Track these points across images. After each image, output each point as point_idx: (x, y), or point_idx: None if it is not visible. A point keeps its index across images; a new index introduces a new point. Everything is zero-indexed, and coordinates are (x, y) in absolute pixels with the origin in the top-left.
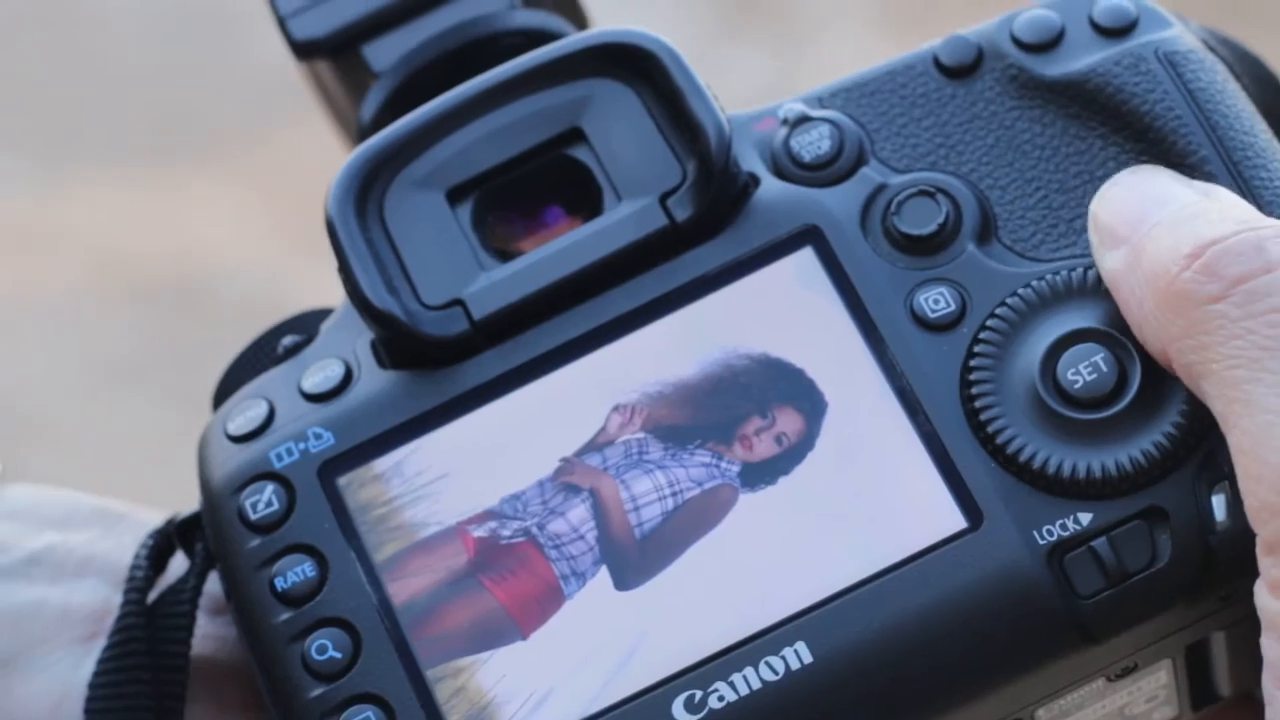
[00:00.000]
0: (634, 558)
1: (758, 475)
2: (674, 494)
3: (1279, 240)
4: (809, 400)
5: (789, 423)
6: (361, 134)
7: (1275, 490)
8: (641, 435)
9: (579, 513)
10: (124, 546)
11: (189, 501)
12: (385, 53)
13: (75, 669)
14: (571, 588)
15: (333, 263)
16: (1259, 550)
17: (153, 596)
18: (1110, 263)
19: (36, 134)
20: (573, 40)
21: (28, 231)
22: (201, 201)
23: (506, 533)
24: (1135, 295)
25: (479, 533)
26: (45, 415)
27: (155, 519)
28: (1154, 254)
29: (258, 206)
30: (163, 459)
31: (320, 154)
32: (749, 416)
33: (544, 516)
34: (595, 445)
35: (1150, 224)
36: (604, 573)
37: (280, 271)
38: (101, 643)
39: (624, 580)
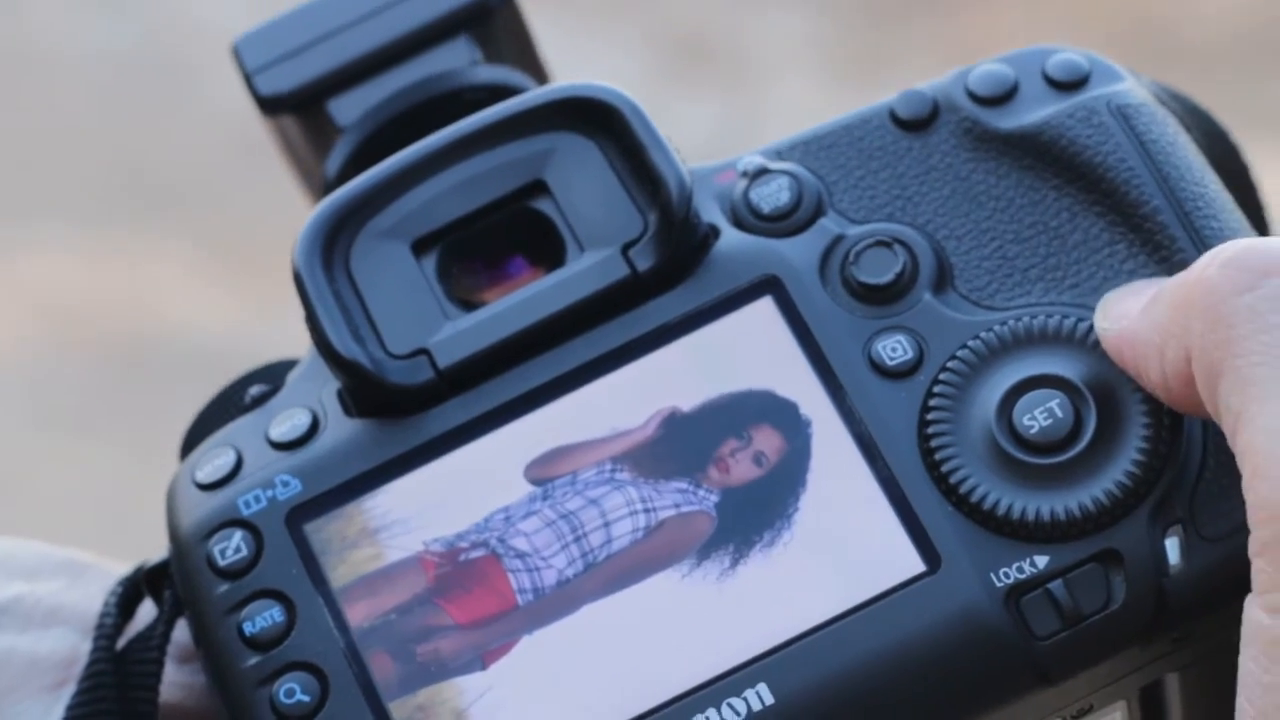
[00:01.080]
0: (597, 581)
1: (737, 503)
2: (646, 511)
3: None
4: (785, 421)
5: (767, 441)
6: (326, 188)
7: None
8: (612, 464)
9: (544, 534)
10: (91, 596)
11: (145, 552)
12: (350, 108)
13: (44, 716)
14: (532, 610)
15: (285, 316)
16: (1250, 549)
17: (121, 643)
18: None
19: None
20: (535, 94)
21: None
22: (154, 255)
23: (468, 556)
24: (1150, 321)
25: (440, 562)
26: (3, 467)
27: (122, 569)
28: (1177, 277)
29: (209, 260)
30: (116, 511)
31: (273, 208)
32: (724, 440)
33: (507, 535)
34: (564, 475)
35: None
36: (565, 594)
37: (233, 324)
38: (69, 690)
39: (583, 605)
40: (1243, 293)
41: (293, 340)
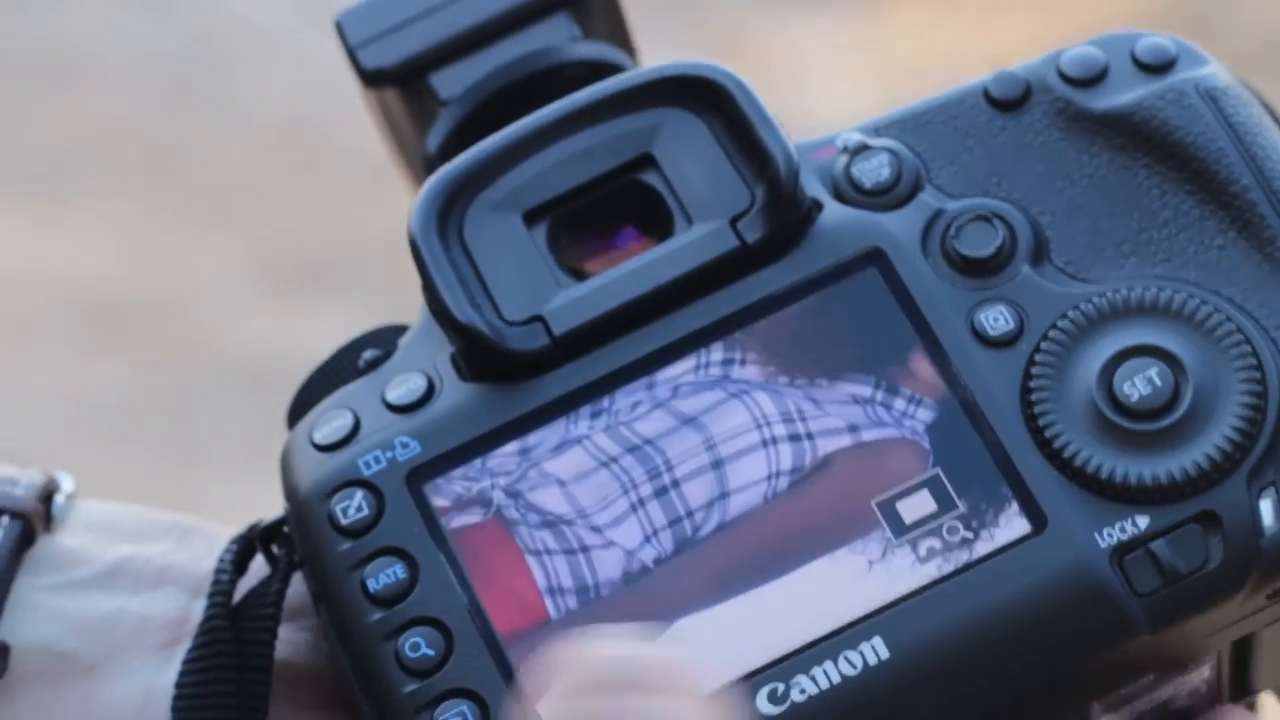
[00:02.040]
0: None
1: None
2: (808, 436)
3: None
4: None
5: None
6: (427, 162)
7: None
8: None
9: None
10: (198, 557)
11: None
12: (452, 82)
13: (158, 674)
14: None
15: (319, 311)
16: None
17: (234, 599)
18: None
19: (27, 185)
20: (645, 71)
21: (19, 281)
22: (193, 256)
23: (590, 525)
24: None
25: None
26: (35, 461)
27: (224, 532)
28: None
29: (249, 261)
30: (155, 504)
31: (315, 211)
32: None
33: (643, 485)
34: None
35: None
36: (694, 558)
37: (271, 326)
38: (180, 650)
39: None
40: None
41: (332, 341)
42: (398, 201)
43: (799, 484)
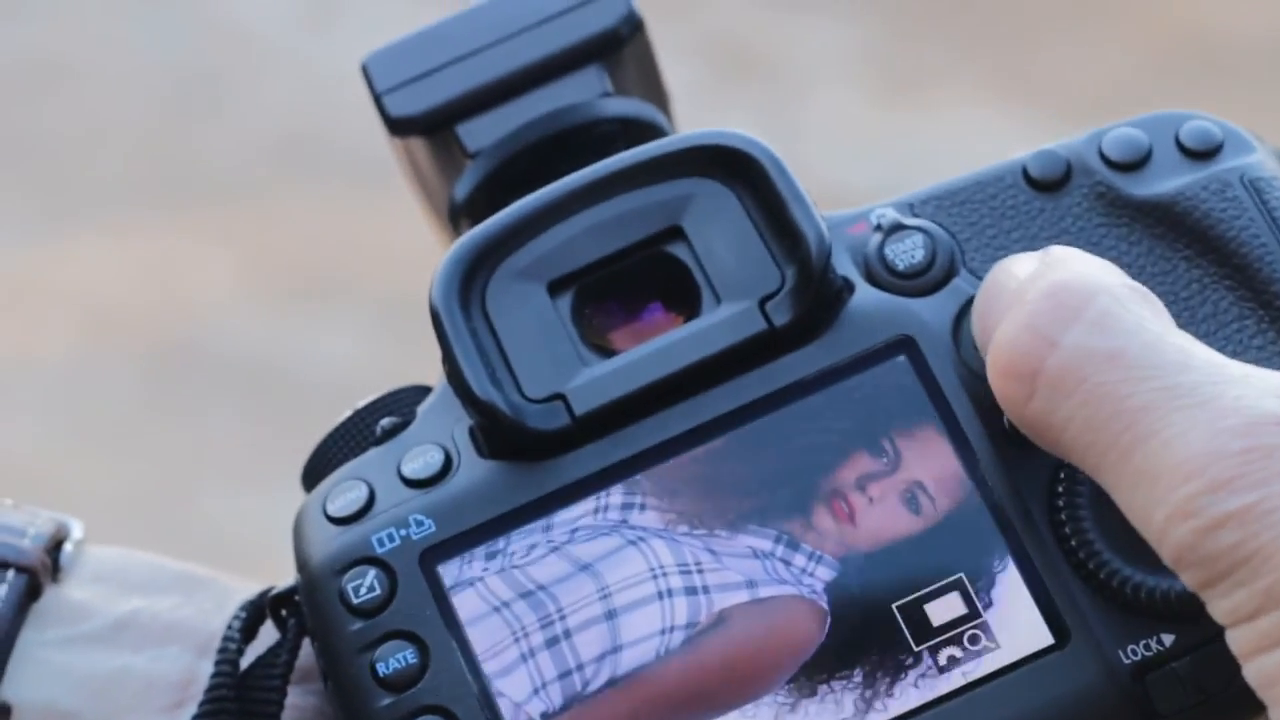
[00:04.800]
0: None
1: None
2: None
3: None
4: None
5: (925, 462)
6: (453, 212)
7: None
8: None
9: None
10: (207, 613)
11: (183, 558)
12: (480, 134)
13: None
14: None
15: (319, 321)
16: None
17: (242, 665)
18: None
19: (32, 196)
20: (676, 139)
21: (23, 292)
22: (193, 262)
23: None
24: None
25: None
26: (41, 474)
27: (235, 585)
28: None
29: (249, 268)
30: (150, 519)
31: (310, 215)
32: (851, 454)
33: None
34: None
35: None
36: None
37: (270, 333)
38: (185, 713)
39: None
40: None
41: (326, 351)
42: (397, 212)
43: (694, 641)
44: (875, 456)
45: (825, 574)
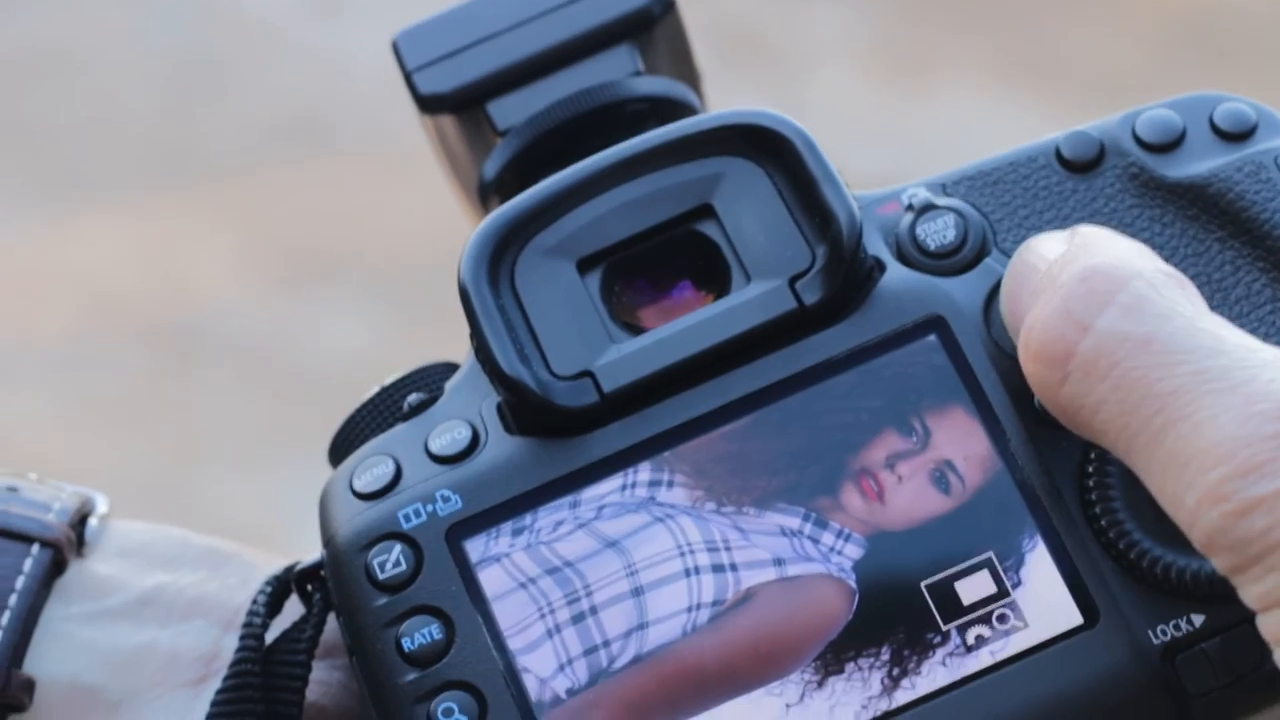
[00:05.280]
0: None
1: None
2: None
3: None
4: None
5: (955, 441)
6: (483, 189)
7: None
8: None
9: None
10: (231, 588)
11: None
12: (511, 112)
13: (186, 712)
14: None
15: (324, 306)
16: None
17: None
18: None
19: (35, 179)
20: (708, 118)
21: (26, 274)
22: (197, 244)
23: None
24: None
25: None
26: (43, 453)
27: (260, 560)
28: None
29: (253, 251)
30: (154, 498)
31: (312, 197)
32: (881, 433)
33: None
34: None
35: None
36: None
37: (274, 316)
38: (209, 687)
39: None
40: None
41: (327, 332)
42: (403, 197)
43: (721, 618)
44: (904, 435)
45: (854, 552)
